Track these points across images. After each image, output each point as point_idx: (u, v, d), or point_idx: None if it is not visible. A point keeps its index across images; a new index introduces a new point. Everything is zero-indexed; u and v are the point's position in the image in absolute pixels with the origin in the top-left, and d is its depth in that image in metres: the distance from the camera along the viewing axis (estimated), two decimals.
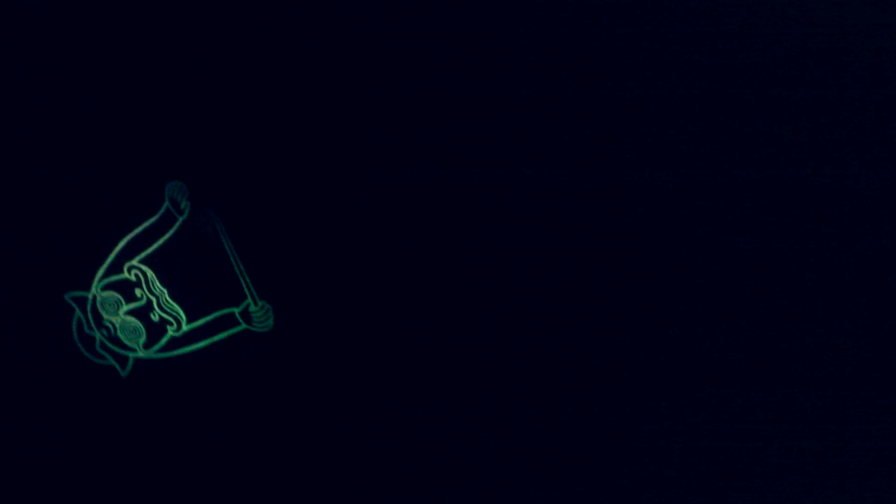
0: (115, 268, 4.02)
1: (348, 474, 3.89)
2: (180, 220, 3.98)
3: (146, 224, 3.99)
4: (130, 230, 3.98)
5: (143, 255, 4.01)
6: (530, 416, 3.58)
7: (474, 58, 3.52)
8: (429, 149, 3.72)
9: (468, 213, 3.64)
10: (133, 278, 4.01)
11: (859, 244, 2.96)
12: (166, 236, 4.00)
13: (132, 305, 4.03)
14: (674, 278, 3.22)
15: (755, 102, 2.97)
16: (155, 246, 4.00)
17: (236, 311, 3.99)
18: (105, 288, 4.03)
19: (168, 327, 4.03)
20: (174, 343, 4.04)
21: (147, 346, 4.04)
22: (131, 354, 4.05)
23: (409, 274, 3.82)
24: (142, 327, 4.04)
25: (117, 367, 4.05)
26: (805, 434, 3.09)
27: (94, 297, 4.04)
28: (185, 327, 4.02)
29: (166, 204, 3.96)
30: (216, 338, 4.03)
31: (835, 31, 2.93)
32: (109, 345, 4.06)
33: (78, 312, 4.05)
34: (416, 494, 3.83)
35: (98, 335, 4.05)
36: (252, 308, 3.98)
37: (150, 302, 4.01)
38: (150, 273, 4.00)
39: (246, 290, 3.97)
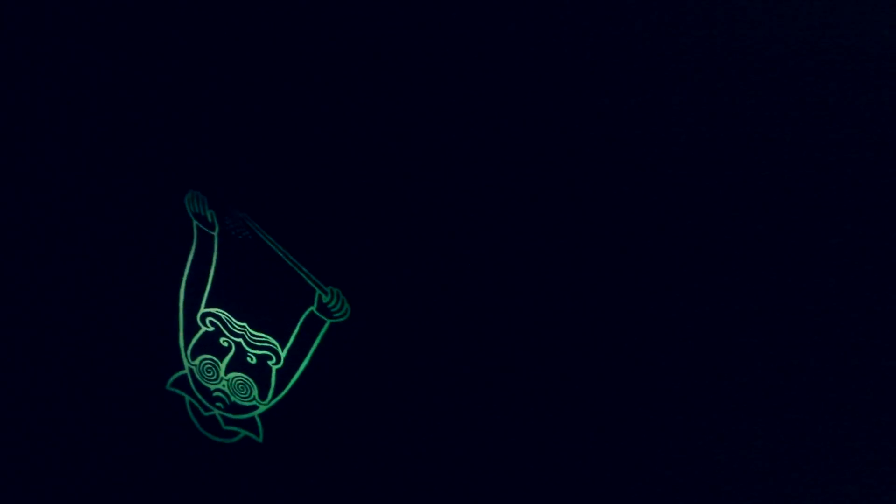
0: (190, 324, 3.25)
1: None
2: (215, 234, 3.17)
3: (190, 257, 3.21)
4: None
5: (205, 295, 3.21)
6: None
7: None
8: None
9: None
10: (211, 328, 3.22)
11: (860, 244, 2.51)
12: (214, 262, 3.19)
13: (227, 360, 3.22)
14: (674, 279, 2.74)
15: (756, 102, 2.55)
16: (210, 279, 3.20)
17: (314, 309, 3.07)
18: (194, 354, 3.26)
19: (268, 363, 3.17)
20: (282, 376, 3.17)
21: (262, 395, 3.20)
22: (255, 413, 3.22)
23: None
24: (249, 379, 3.21)
25: (252, 436, 3.23)
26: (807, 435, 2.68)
27: (192, 371, 3.27)
28: (282, 354, 3.15)
29: (195, 223, 3.17)
30: (313, 348, 3.11)
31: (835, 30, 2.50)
32: (232, 416, 3.25)
33: (188, 398, 3.30)
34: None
35: (217, 412, 3.27)
36: (325, 299, 3.06)
37: (238, 346, 3.19)
38: (222, 314, 3.19)
39: (310, 282, 3.06)
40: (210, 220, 3.15)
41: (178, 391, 3.29)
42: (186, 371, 3.27)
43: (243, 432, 3.24)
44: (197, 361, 3.25)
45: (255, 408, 3.22)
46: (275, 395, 3.18)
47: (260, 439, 3.23)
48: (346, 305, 3.05)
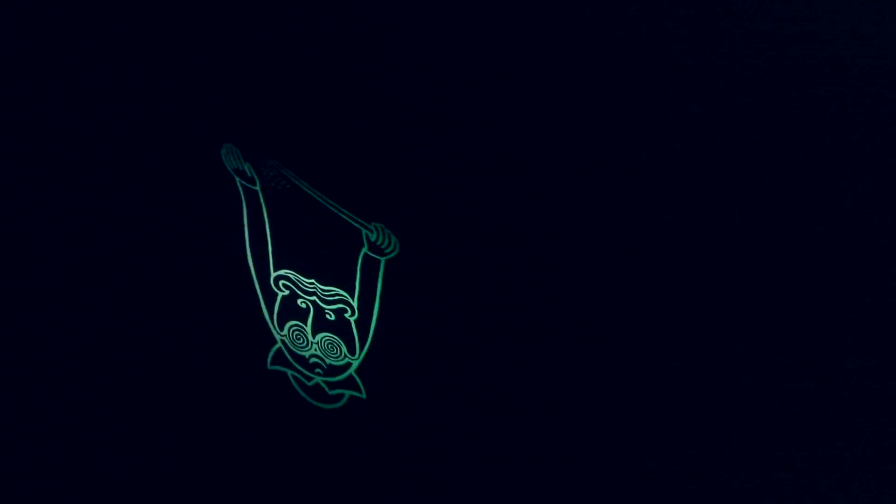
0: (267, 292, 2.98)
1: None
2: (258, 189, 2.89)
3: (245, 220, 2.94)
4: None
5: (270, 257, 2.94)
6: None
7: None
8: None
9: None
10: (286, 291, 2.94)
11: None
12: (266, 218, 2.91)
13: (310, 322, 2.94)
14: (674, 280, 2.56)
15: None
16: (269, 237, 2.92)
17: (366, 250, 2.75)
18: (280, 323, 3.00)
19: (345, 315, 2.87)
20: (362, 327, 2.86)
21: (351, 351, 2.90)
22: (352, 371, 2.93)
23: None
24: (336, 337, 2.92)
25: (356, 393, 2.95)
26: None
27: (284, 342, 3.01)
28: (355, 304, 2.84)
29: (238, 181, 2.90)
30: (378, 289, 2.79)
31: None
32: (332, 379, 2.97)
33: (290, 372, 3.04)
34: None
35: (318, 379, 2.99)
36: (372, 237, 2.73)
37: (316, 305, 2.90)
38: (291, 274, 2.91)
39: (354, 223, 2.74)
40: (249, 174, 2.87)
41: (279, 367, 3.03)
42: (279, 344, 3.01)
43: (348, 392, 2.95)
44: (286, 331, 2.98)
45: (349, 365, 2.92)
46: (362, 347, 2.88)
47: (364, 395, 2.93)
48: (393, 239, 2.71)
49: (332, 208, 2.76)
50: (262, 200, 2.89)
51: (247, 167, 2.86)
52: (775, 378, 2.44)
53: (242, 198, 2.91)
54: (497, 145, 2.55)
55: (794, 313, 2.39)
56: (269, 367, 3.04)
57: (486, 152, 2.57)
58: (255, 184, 2.87)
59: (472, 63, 2.52)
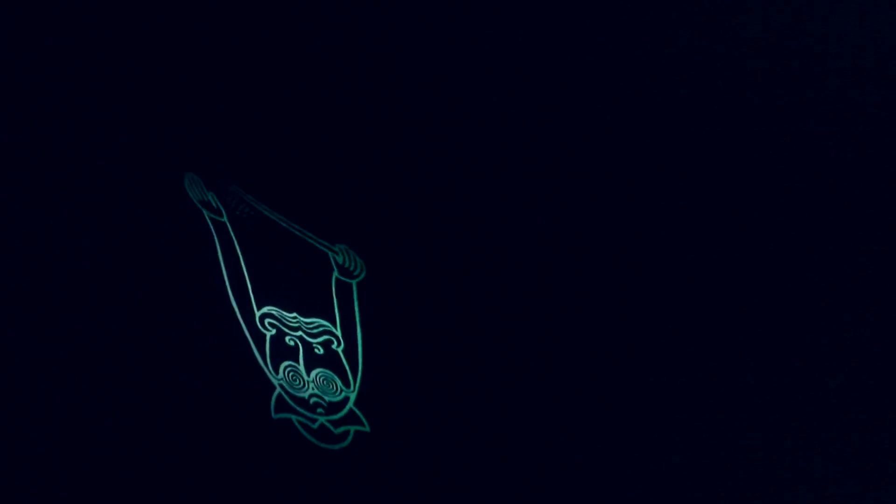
0: (255, 332, 2.74)
1: None
2: (226, 220, 2.66)
3: (220, 256, 2.71)
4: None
5: (250, 292, 2.70)
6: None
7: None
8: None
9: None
10: (273, 330, 2.70)
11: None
12: (239, 252, 2.67)
13: (302, 361, 2.69)
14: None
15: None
16: (245, 271, 2.68)
17: (336, 275, 2.51)
18: (274, 366, 2.75)
19: (332, 347, 2.61)
20: (350, 355, 2.61)
21: (346, 383, 2.64)
22: (350, 405, 2.68)
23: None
24: (330, 373, 2.66)
25: (361, 427, 2.71)
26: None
27: (282, 386, 2.76)
28: (339, 333, 2.58)
29: (206, 214, 2.67)
30: (357, 314, 2.53)
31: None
32: (335, 417, 2.72)
33: (295, 418, 2.79)
34: None
35: (323, 420, 2.74)
36: (339, 259, 2.50)
37: (303, 340, 2.66)
38: (274, 310, 2.67)
39: (321, 247, 2.50)
40: (215, 204, 2.64)
41: (283, 415, 2.79)
42: (279, 389, 2.76)
43: (354, 427, 2.69)
44: (281, 373, 2.73)
45: (347, 399, 2.66)
46: (355, 378, 2.62)
47: (367, 428, 2.67)
48: (359, 260, 2.46)
49: (296, 233, 2.52)
50: (231, 232, 2.65)
51: (211, 197, 2.63)
52: (775, 379, 2.29)
53: (213, 233, 2.67)
54: (458, 157, 2.36)
55: (793, 314, 2.26)
56: (273, 416, 2.80)
57: (445, 163, 2.36)
58: (222, 215, 2.64)
59: (436, 79, 2.34)
